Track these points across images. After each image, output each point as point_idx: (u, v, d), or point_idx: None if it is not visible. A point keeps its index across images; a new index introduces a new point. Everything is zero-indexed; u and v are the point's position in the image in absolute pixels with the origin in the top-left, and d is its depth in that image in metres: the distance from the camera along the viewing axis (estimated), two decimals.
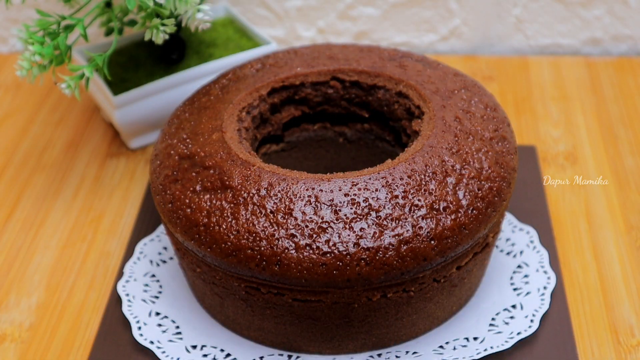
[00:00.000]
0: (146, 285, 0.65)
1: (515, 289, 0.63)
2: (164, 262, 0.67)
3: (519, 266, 0.65)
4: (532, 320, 0.60)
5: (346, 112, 0.68)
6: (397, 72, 0.65)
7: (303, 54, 0.69)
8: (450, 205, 0.55)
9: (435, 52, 0.94)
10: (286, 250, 0.53)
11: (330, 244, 0.53)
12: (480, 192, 0.56)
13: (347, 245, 0.53)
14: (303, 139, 0.70)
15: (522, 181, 0.73)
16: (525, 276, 0.64)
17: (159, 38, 0.66)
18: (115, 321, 0.63)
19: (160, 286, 0.65)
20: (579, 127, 0.81)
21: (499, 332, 0.60)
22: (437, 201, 0.55)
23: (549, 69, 0.89)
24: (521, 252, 0.66)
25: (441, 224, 0.54)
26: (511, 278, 0.64)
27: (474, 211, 0.55)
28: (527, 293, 0.62)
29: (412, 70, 0.65)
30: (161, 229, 0.69)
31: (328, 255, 0.53)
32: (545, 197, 0.72)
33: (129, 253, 0.68)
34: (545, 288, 0.63)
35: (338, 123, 0.69)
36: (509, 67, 0.90)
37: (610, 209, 0.71)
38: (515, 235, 0.67)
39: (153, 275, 0.66)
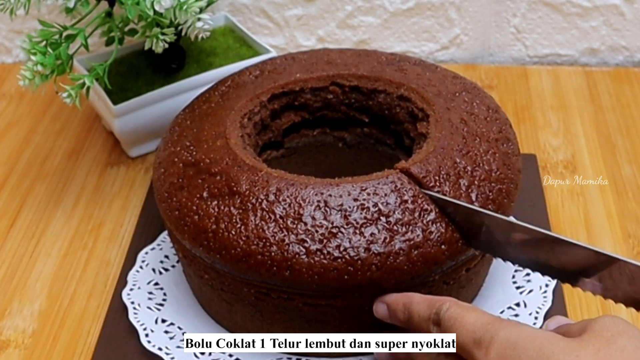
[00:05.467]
0: (150, 293, 0.65)
1: (517, 288, 0.64)
2: (166, 270, 0.67)
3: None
4: (536, 317, 0.61)
5: (345, 117, 0.68)
6: (397, 75, 0.65)
7: (301, 60, 0.68)
8: None
9: (435, 61, 0.94)
10: (297, 256, 0.53)
11: (341, 249, 0.53)
12: (491, 194, 0.56)
13: (358, 251, 0.53)
14: (302, 144, 0.69)
15: (523, 190, 0.72)
16: (527, 275, 0.64)
17: (159, 47, 0.66)
18: (117, 329, 0.63)
19: (165, 294, 0.65)
20: (578, 136, 0.81)
21: None
22: None
23: (548, 78, 0.90)
24: None
25: (451, 228, 0.54)
26: (513, 277, 0.65)
27: None
28: (530, 291, 0.63)
29: (411, 74, 0.65)
30: (162, 237, 0.69)
31: (339, 260, 0.53)
32: (546, 206, 0.72)
33: (128, 261, 0.68)
34: (547, 285, 0.63)
35: (337, 128, 0.69)
36: (509, 76, 0.90)
37: (608, 217, 0.72)
38: None
39: (156, 284, 0.65)
